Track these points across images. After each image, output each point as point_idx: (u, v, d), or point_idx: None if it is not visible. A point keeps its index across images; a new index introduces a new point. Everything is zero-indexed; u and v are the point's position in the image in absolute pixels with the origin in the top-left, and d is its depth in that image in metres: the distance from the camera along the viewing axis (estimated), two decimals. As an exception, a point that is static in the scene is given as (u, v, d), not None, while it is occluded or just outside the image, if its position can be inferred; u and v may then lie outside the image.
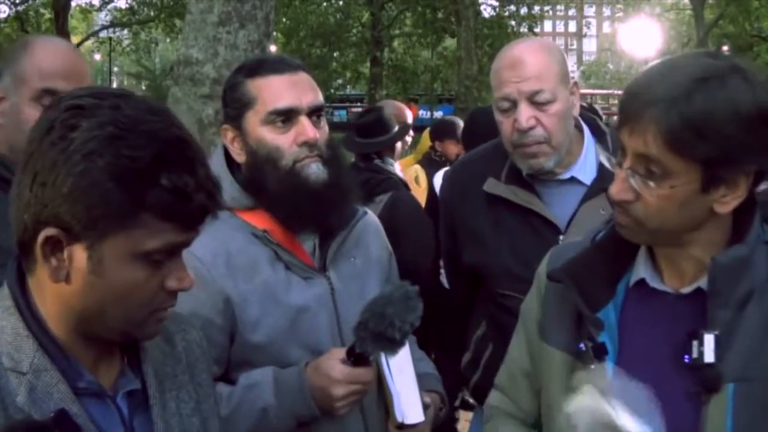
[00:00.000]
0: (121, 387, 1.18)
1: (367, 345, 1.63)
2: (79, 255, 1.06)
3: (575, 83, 2.17)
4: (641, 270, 1.41)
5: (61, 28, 22.18)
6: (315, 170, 1.76)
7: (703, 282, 1.34)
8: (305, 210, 1.76)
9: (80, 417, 1.08)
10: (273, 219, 1.80)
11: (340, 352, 1.70)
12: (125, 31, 28.44)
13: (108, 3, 26.47)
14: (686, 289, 1.37)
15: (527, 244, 2.13)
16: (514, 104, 2.09)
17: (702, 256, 1.34)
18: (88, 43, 30.17)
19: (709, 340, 1.30)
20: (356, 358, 1.67)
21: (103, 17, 30.45)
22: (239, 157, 1.82)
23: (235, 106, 1.81)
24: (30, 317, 1.11)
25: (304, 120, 1.76)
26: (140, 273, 1.09)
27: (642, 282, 1.41)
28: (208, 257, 1.73)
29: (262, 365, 1.76)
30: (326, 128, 1.84)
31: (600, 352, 1.37)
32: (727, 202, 1.29)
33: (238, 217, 1.80)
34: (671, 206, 1.28)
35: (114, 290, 1.08)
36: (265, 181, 1.76)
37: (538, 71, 2.07)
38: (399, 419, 1.79)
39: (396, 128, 3.99)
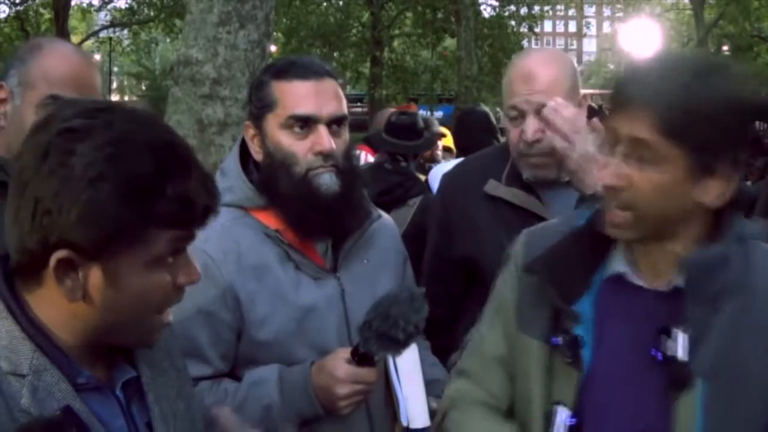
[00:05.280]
0: (119, 378, 1.19)
1: (371, 345, 1.63)
2: (94, 273, 1.07)
3: (584, 96, 2.20)
4: (618, 264, 1.42)
5: (61, 28, 22.17)
6: (327, 180, 1.77)
7: (680, 280, 1.35)
8: (312, 219, 1.77)
9: (83, 413, 1.09)
10: (285, 219, 1.81)
11: (345, 352, 1.70)
12: (125, 31, 28.44)
13: (108, 3, 26.47)
14: (664, 287, 1.38)
15: None
16: (523, 114, 2.12)
17: (681, 252, 1.35)
18: (88, 43, 30.12)
19: (683, 338, 1.31)
20: (360, 357, 1.67)
21: (103, 17, 30.44)
22: (258, 155, 1.84)
23: (258, 105, 1.83)
24: (23, 319, 1.10)
25: (322, 129, 1.77)
26: (155, 278, 1.11)
27: (617, 275, 1.41)
28: (218, 255, 1.75)
29: (269, 363, 1.77)
30: (346, 137, 1.84)
31: (575, 345, 1.37)
32: (713, 193, 1.32)
33: (251, 216, 1.82)
34: (661, 192, 1.30)
35: (133, 299, 1.10)
36: (278, 185, 1.78)
37: (547, 85, 2.09)
38: (405, 423, 1.80)
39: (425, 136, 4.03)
